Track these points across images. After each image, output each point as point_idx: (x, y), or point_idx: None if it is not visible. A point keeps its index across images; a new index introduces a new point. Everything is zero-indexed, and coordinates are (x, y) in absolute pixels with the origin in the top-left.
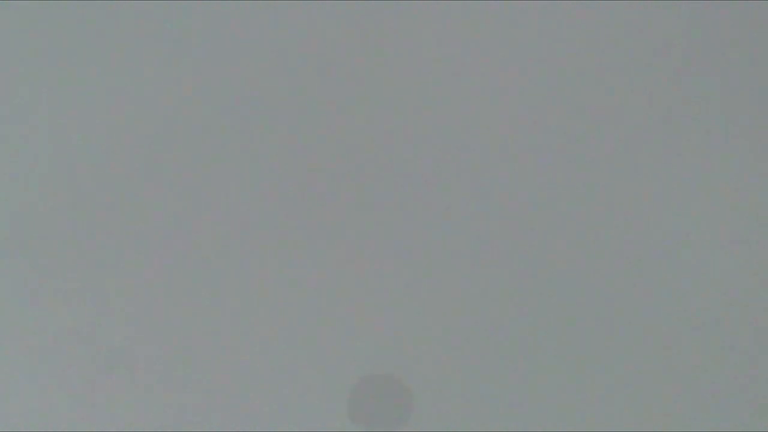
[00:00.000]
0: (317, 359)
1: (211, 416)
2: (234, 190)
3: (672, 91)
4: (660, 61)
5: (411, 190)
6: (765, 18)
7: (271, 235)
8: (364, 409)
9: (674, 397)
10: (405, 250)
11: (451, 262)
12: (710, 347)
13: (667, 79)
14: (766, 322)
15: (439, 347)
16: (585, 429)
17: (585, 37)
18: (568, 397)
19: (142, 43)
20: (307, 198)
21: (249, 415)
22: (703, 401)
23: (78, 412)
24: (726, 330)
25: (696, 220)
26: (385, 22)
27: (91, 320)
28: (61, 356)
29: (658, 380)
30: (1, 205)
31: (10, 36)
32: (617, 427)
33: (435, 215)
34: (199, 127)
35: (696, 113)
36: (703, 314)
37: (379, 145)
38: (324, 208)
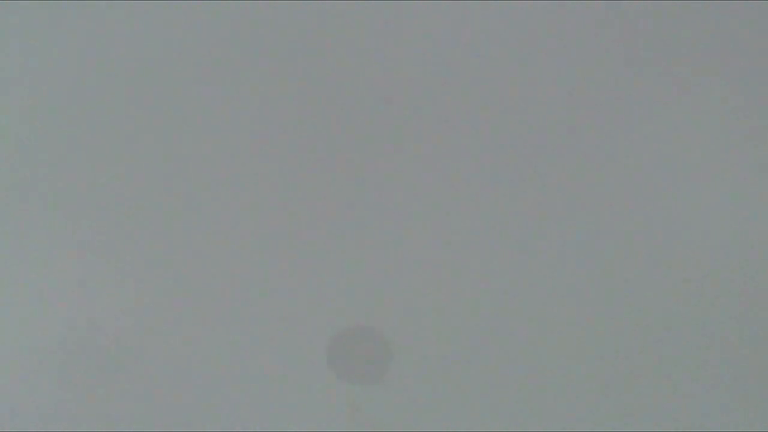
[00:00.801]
0: (298, 312)
1: (196, 376)
2: (214, 149)
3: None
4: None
5: (386, 143)
6: None
7: (252, 196)
8: (343, 360)
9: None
10: (386, 205)
11: (430, 218)
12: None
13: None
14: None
15: (418, 301)
16: (559, 383)
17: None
18: (542, 352)
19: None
20: (288, 154)
21: (234, 375)
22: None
23: (76, 408)
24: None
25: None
26: (385, 22)
27: (90, 315)
28: (59, 351)
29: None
30: None
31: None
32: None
33: (417, 168)
34: (195, 113)
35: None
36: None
37: (355, 96)
38: (308, 165)
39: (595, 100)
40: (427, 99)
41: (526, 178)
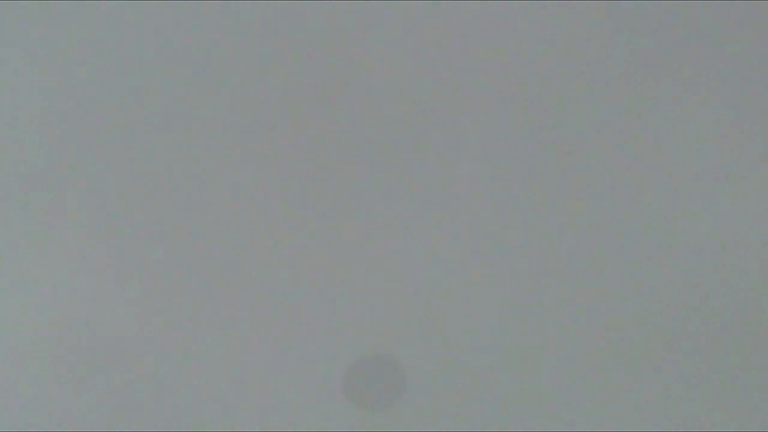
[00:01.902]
0: (314, 341)
1: (207, 392)
2: (227, 174)
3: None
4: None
5: (402, 173)
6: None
7: (267, 218)
8: (359, 388)
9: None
10: (402, 238)
11: (445, 249)
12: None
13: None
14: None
15: (433, 330)
16: (577, 413)
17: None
18: (559, 385)
19: (132, 36)
20: (302, 179)
21: (246, 398)
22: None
23: (73, 407)
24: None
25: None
26: (383, 22)
27: (88, 312)
28: (57, 348)
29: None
30: None
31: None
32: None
33: (428, 198)
34: (193, 116)
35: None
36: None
37: (371, 121)
38: (321, 192)
39: (594, 103)
40: (440, 110)
41: (543, 206)
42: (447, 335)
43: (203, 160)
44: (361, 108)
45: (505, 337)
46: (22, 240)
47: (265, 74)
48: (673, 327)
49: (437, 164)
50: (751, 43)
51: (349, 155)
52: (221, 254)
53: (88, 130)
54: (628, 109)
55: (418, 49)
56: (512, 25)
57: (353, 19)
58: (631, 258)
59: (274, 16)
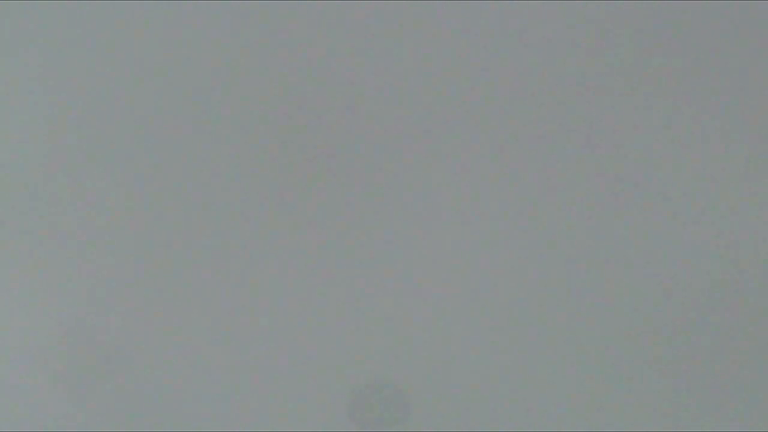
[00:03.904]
0: (318, 365)
1: (211, 415)
2: (242, 200)
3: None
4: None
5: (406, 202)
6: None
7: (274, 243)
8: (363, 413)
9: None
10: (404, 259)
11: (445, 272)
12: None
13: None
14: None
15: (435, 354)
16: (582, 429)
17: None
18: (565, 414)
19: (130, 38)
20: (310, 206)
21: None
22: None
23: (69, 410)
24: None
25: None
26: (383, 22)
27: (86, 316)
28: (55, 352)
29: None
30: None
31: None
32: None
33: (432, 226)
34: (193, 124)
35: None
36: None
37: (380, 155)
38: (326, 217)
39: (593, 111)
40: (441, 123)
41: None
42: (452, 362)
43: (205, 170)
44: (370, 135)
45: (510, 365)
46: (20, 245)
47: (259, 86)
48: (681, 348)
49: (444, 190)
50: (751, 50)
51: (358, 180)
52: (225, 276)
53: (85, 132)
54: (629, 112)
55: (413, 56)
56: (509, 31)
57: (349, 22)
58: (635, 289)
59: (269, 19)
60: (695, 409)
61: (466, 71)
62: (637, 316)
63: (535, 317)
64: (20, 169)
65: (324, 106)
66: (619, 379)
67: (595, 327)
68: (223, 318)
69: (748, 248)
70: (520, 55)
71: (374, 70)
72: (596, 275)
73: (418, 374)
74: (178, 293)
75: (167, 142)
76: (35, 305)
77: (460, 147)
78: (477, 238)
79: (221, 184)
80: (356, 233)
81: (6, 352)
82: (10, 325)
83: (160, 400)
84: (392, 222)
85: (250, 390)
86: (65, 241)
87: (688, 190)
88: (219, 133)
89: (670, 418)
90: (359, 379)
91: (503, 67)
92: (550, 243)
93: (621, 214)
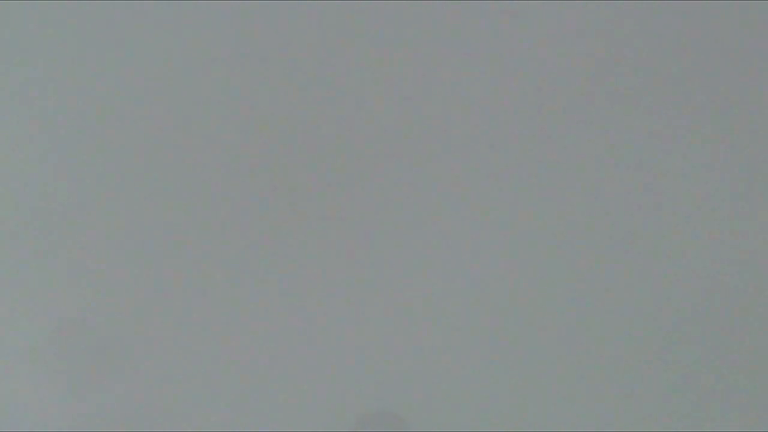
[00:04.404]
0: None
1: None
2: (243, 207)
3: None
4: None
5: (409, 225)
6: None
7: (277, 267)
8: None
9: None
10: (406, 286)
11: (453, 303)
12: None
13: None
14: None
15: (437, 385)
16: None
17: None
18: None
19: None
20: (315, 231)
21: None
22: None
23: (65, 407)
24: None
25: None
26: (382, 22)
27: (82, 314)
28: (51, 350)
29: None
30: None
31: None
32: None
33: (434, 253)
34: (195, 128)
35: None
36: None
37: (386, 184)
38: (332, 242)
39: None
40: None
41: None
42: (454, 391)
43: (204, 170)
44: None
45: (513, 395)
46: (16, 243)
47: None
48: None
49: (451, 215)
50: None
51: (364, 201)
52: (225, 282)
53: (78, 129)
54: (631, 113)
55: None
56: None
57: (347, 23)
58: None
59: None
60: (695, 409)
61: (463, 78)
62: (652, 337)
63: (544, 346)
64: (16, 167)
65: (323, 112)
66: (626, 409)
67: (604, 351)
68: (221, 327)
69: (748, 249)
70: (520, 56)
71: (371, 82)
72: (599, 301)
73: (419, 402)
74: (175, 293)
75: (161, 140)
76: (31, 303)
77: (460, 165)
78: (484, 259)
79: (220, 185)
80: (364, 259)
81: (2, 351)
82: (6, 323)
83: (157, 399)
84: (397, 242)
85: (247, 402)
86: (62, 238)
87: (688, 191)
88: (217, 134)
89: (676, 422)
90: (361, 407)
91: (501, 73)
92: (554, 262)
93: (621, 218)
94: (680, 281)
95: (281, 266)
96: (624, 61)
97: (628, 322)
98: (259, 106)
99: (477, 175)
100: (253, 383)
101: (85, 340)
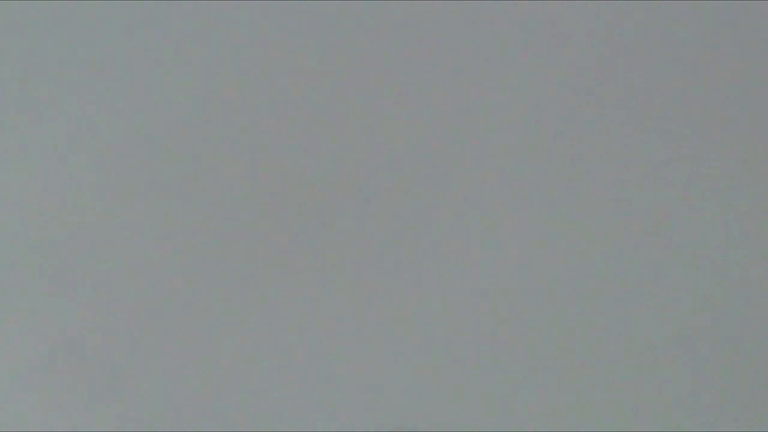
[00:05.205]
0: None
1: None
2: (255, 244)
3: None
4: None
5: (423, 251)
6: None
7: (277, 289)
8: None
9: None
10: (419, 307)
11: (461, 328)
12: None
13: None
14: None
15: (452, 403)
16: None
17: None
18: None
19: (143, 46)
20: (324, 253)
21: None
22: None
23: (56, 421)
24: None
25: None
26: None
27: (78, 332)
28: (47, 368)
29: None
30: None
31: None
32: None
33: (449, 275)
34: (200, 138)
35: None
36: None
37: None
38: (343, 264)
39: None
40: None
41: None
42: (465, 410)
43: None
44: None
45: (524, 413)
46: (14, 259)
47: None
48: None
49: (461, 225)
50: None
51: (366, 230)
52: (225, 323)
53: (76, 146)
54: (633, 115)
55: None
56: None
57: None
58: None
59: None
60: (695, 409)
61: (464, 78)
62: (669, 345)
63: (555, 366)
64: (17, 182)
65: (320, 156)
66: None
67: (616, 359)
68: (218, 348)
69: (747, 250)
70: (520, 57)
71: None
72: (608, 309)
73: (433, 421)
74: (172, 314)
75: (155, 160)
76: (28, 320)
77: (464, 172)
78: (488, 284)
79: (217, 205)
80: (372, 286)
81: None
82: (3, 339)
83: (152, 421)
84: (404, 254)
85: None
86: (60, 255)
87: (690, 193)
88: (215, 151)
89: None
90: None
91: (502, 73)
92: (561, 271)
93: (625, 220)
94: (688, 285)
95: (281, 288)
96: (623, 64)
97: (639, 329)
98: (259, 121)
99: (481, 183)
100: (252, 405)
101: (80, 361)
